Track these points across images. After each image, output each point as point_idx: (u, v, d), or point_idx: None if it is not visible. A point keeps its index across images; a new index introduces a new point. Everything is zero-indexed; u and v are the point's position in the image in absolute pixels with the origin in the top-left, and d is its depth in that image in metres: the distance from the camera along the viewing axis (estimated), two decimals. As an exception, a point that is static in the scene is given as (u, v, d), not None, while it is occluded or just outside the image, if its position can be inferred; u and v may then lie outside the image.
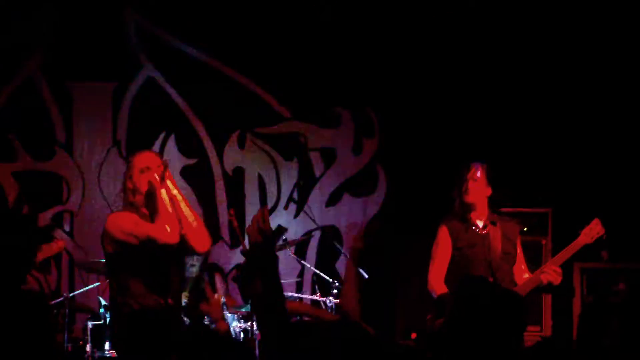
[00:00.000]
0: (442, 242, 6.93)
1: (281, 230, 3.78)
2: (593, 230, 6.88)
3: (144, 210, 6.15)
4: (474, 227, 6.90)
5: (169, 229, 5.99)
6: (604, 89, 9.44)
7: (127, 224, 6.07)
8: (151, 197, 6.09)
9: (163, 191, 6.07)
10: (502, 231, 6.93)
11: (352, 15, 9.69)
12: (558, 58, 9.51)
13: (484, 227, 6.91)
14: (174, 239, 6.05)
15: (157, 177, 6.04)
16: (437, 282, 6.79)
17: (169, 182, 6.16)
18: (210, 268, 9.18)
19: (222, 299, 8.53)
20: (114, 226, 6.10)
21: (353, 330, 3.50)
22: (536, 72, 9.56)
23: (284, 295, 3.93)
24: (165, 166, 6.13)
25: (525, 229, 8.84)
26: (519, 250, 7.04)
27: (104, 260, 6.45)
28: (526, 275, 6.91)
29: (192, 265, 8.89)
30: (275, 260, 3.95)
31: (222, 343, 3.88)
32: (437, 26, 9.59)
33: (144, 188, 6.11)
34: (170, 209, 6.06)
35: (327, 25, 9.69)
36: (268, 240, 3.92)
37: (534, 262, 8.60)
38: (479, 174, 6.91)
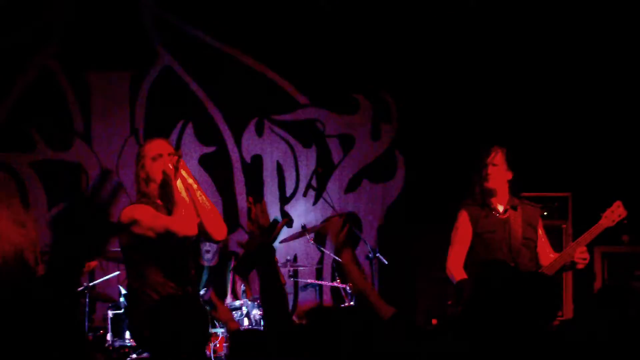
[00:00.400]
0: (462, 227, 6.88)
1: (276, 222, 3.83)
2: (614, 213, 6.84)
3: (159, 201, 6.09)
4: (494, 212, 6.85)
5: (187, 221, 5.94)
6: (623, 72, 9.38)
7: (144, 218, 6.00)
8: (166, 187, 6.03)
9: (179, 181, 6.01)
10: (523, 216, 6.88)
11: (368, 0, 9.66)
12: (577, 42, 9.46)
13: (505, 211, 6.86)
14: (193, 231, 6.01)
15: (171, 167, 5.98)
16: (456, 268, 6.75)
17: (183, 172, 6.09)
18: (229, 256, 9.19)
19: (242, 287, 8.53)
20: (130, 220, 6.03)
21: (363, 319, 3.51)
22: (555, 55, 9.51)
23: (282, 287, 3.93)
24: (179, 157, 6.07)
25: (545, 213, 8.80)
26: (541, 233, 7.00)
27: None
28: (552, 256, 6.88)
29: (207, 252, 8.90)
30: (271, 252, 3.95)
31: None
32: (455, 9, 9.54)
33: (157, 176, 6.04)
34: (187, 199, 6.01)
35: (344, 10, 9.66)
36: (264, 233, 3.92)
37: (555, 246, 8.55)
38: (498, 158, 6.86)
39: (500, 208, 6.87)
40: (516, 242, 6.79)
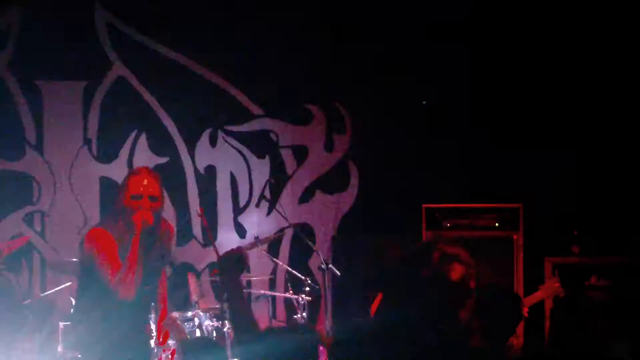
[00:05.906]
0: None
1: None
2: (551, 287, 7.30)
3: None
4: None
5: None
6: (573, 86, 9.49)
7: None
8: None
9: None
10: None
11: (323, 12, 9.68)
12: (524, 50, 9.56)
13: None
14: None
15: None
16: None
17: None
18: (182, 268, 9.13)
19: (195, 298, 8.49)
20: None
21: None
22: (508, 63, 9.59)
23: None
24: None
25: (497, 224, 8.89)
26: None
27: (74, 260, 6.41)
28: None
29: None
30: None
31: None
32: (406, 21, 9.61)
33: (129, 215, 6.01)
34: None
35: (298, 20, 9.68)
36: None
37: (506, 256, 8.68)
38: None
39: None
40: None
